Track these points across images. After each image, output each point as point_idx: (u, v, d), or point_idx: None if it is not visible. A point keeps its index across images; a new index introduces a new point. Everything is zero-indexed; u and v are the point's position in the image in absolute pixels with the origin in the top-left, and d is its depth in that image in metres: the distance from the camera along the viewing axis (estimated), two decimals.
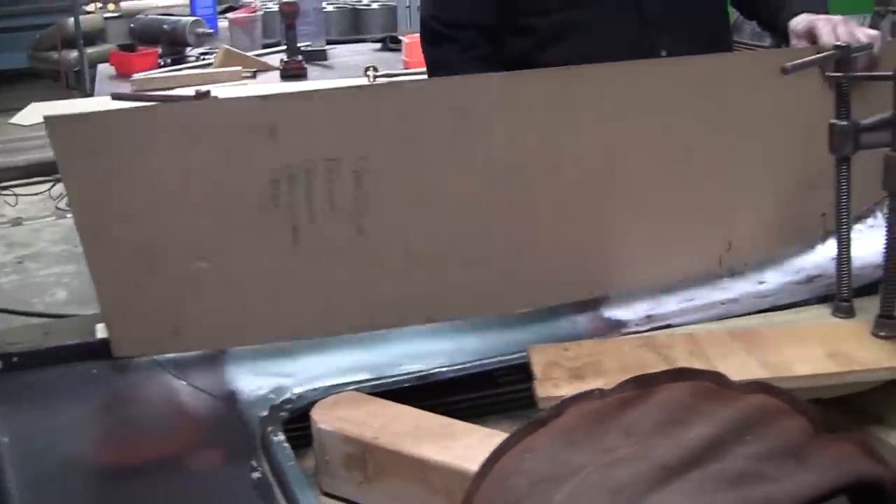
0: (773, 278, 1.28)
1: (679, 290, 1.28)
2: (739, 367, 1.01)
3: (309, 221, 1.13)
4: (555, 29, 1.45)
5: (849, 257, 1.14)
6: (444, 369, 1.14)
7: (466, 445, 0.96)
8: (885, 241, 1.04)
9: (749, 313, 1.21)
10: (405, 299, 1.20)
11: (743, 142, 1.27)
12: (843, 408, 1.05)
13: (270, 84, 2.69)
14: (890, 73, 1.01)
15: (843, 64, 1.09)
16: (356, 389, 1.07)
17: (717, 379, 0.90)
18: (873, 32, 1.30)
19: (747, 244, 1.28)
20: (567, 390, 0.98)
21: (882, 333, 1.06)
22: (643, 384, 0.90)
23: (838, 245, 1.14)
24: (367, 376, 1.11)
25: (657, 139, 1.24)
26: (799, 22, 1.40)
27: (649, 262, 1.27)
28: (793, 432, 0.84)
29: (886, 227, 1.04)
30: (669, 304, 1.25)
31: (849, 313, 1.16)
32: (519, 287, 1.23)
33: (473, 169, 1.19)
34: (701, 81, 1.24)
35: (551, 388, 1.01)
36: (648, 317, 1.24)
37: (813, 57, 1.12)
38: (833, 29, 1.31)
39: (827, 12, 1.46)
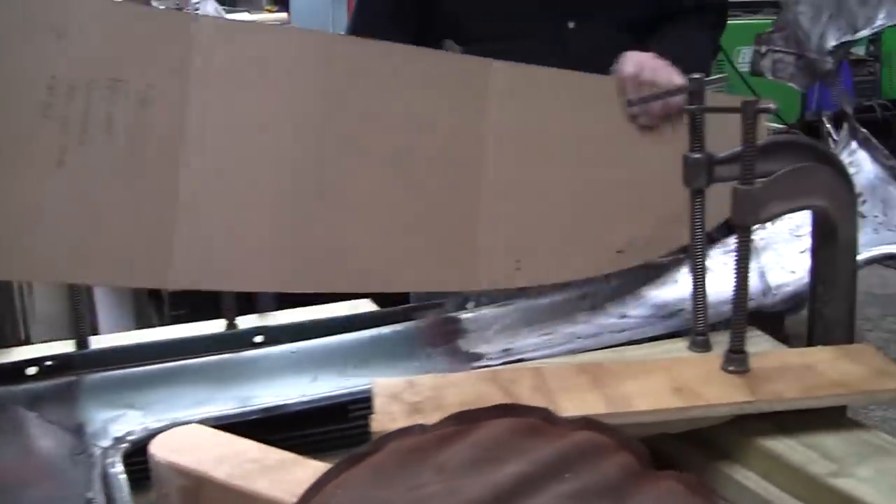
0: (635, 312, 1.24)
1: (539, 322, 1.24)
2: (581, 402, 0.97)
3: (79, 143, 1.03)
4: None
5: (704, 290, 1.11)
6: (292, 402, 1.12)
7: (298, 480, 0.91)
8: (734, 276, 1.01)
9: (607, 347, 1.17)
10: (166, 248, 1.07)
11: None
12: (692, 443, 1.02)
13: None
14: (737, 106, 0.99)
15: (695, 96, 1.07)
16: (203, 421, 1.04)
17: (544, 415, 0.87)
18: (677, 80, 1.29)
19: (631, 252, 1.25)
20: (403, 425, 0.94)
21: (731, 368, 1.02)
22: (465, 420, 0.86)
23: (693, 278, 1.12)
24: (217, 408, 1.09)
25: (533, 140, 1.20)
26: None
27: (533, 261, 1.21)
28: (616, 469, 0.80)
29: (735, 261, 1.01)
30: (529, 337, 1.21)
31: (704, 347, 1.12)
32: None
33: (278, 131, 1.10)
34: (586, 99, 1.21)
35: (387, 422, 0.96)
36: (505, 350, 1.20)
37: (659, 91, 1.09)
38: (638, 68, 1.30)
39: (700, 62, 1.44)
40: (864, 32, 1.22)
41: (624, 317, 1.24)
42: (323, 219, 1.10)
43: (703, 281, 1.12)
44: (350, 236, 1.11)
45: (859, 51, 3.82)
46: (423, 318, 1.26)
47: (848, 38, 1.22)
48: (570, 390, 1.00)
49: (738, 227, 1.01)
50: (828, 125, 3.93)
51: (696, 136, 1.07)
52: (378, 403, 1.00)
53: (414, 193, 1.13)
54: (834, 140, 3.96)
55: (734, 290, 1.02)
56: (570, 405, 0.97)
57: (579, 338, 1.18)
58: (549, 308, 1.27)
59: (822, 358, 1.06)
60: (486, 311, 1.27)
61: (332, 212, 1.11)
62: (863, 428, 0.99)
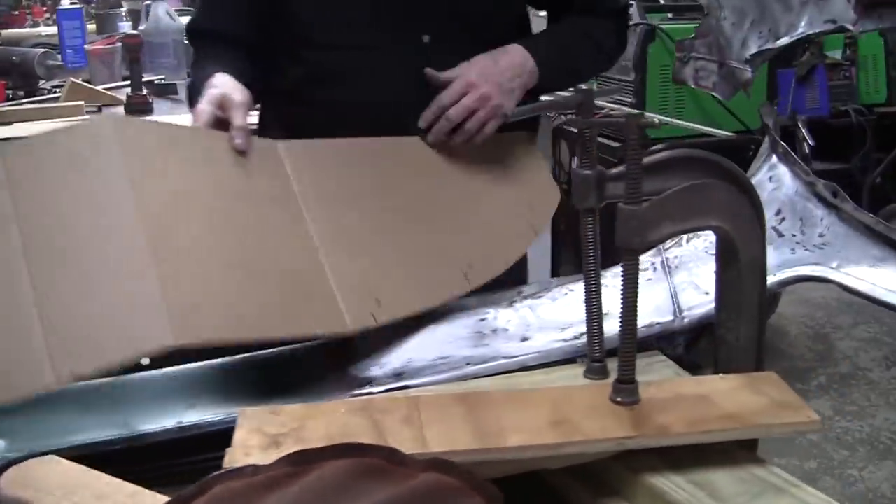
0: (538, 336, 1.17)
1: (438, 345, 1.17)
2: (450, 436, 0.90)
3: None
4: (332, 66, 1.34)
5: (599, 314, 1.04)
6: (157, 430, 1.05)
7: None
8: (621, 301, 0.94)
9: (501, 373, 1.10)
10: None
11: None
12: (580, 478, 0.95)
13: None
14: (622, 117, 0.92)
15: (583, 109, 1.00)
16: (69, 450, 0.99)
17: (388, 455, 0.80)
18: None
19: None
20: (258, 459, 0.87)
21: (619, 399, 0.96)
22: (302, 461, 0.79)
23: (587, 301, 1.05)
24: (85, 437, 1.03)
25: (341, 196, 1.22)
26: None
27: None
28: None
29: (622, 285, 0.94)
30: (422, 361, 1.14)
31: (601, 374, 1.06)
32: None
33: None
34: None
35: (241, 456, 0.90)
36: (397, 374, 1.13)
37: (535, 104, 1.02)
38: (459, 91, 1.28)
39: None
40: (785, 40, 1.15)
41: (525, 339, 1.17)
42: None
43: (599, 304, 1.05)
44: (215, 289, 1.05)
45: (835, 55, 3.74)
46: (317, 340, 1.19)
47: (769, 45, 1.15)
48: (442, 422, 0.93)
49: (625, 250, 0.93)
50: (803, 130, 3.87)
51: (586, 151, 1.00)
52: (238, 436, 0.93)
53: (254, 252, 1.10)
54: (809, 146, 3.90)
55: (621, 318, 0.95)
56: (438, 439, 0.90)
57: (470, 363, 1.11)
58: (450, 330, 1.20)
59: (721, 388, 0.99)
60: (384, 334, 1.20)
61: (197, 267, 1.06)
62: (759, 464, 0.92)
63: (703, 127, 2.49)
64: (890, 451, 2.70)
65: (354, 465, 0.79)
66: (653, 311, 1.18)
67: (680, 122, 2.65)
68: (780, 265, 1.16)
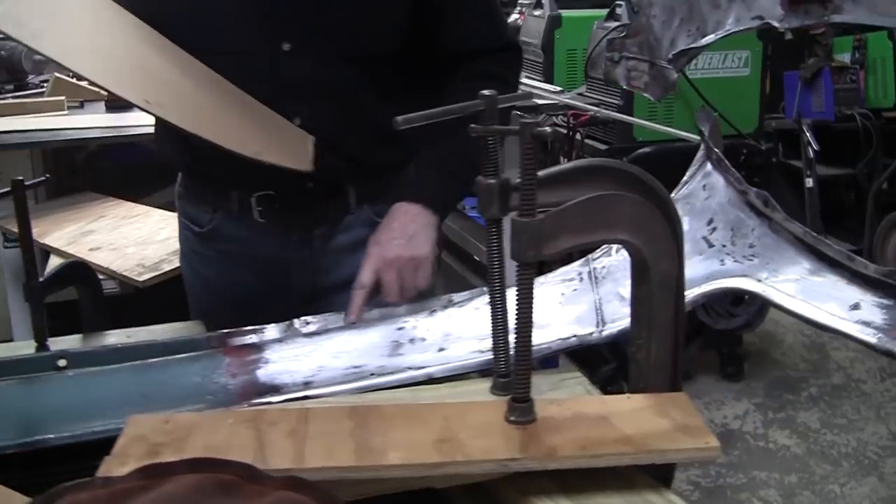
0: (455, 346, 1.14)
1: (350, 354, 1.14)
2: (329, 452, 0.87)
3: None
4: None
5: (505, 327, 1.00)
6: (51, 437, 1.02)
7: None
8: (515, 317, 0.90)
9: (411, 384, 1.07)
10: None
11: None
12: (471, 495, 0.91)
13: (85, 116, 2.54)
14: (516, 128, 0.88)
15: (485, 116, 0.96)
16: None
17: (245, 472, 0.77)
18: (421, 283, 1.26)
19: None
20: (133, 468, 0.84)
21: (513, 418, 0.92)
22: (154, 474, 0.76)
23: (493, 314, 1.01)
24: None
25: None
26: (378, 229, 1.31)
27: None
28: None
29: (516, 300, 0.90)
30: (333, 370, 1.11)
31: (507, 389, 1.01)
32: None
33: None
34: None
35: (117, 465, 0.87)
36: (306, 383, 1.09)
37: (428, 112, 0.98)
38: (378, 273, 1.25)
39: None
40: (711, 38, 1.10)
41: (442, 350, 1.13)
42: None
43: (505, 317, 1.01)
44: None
45: (844, 58, 3.65)
46: (233, 346, 1.16)
47: (694, 44, 1.10)
48: (327, 436, 0.90)
49: (520, 264, 0.89)
50: (807, 134, 3.78)
51: (490, 160, 0.96)
52: (119, 444, 0.91)
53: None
54: (814, 150, 3.80)
55: (515, 334, 0.91)
56: (317, 454, 0.87)
57: (374, 374, 1.08)
58: (367, 338, 1.17)
59: (624, 409, 0.95)
60: (300, 340, 1.17)
61: None
62: (655, 490, 0.88)
63: (674, 130, 2.44)
64: (875, 467, 2.64)
65: (206, 480, 0.76)
66: (574, 323, 1.14)
67: (642, 122, 2.59)
68: (708, 276, 1.11)
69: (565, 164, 0.96)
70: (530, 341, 0.91)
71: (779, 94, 3.62)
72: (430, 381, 1.07)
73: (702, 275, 1.12)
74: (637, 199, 0.94)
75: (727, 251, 1.12)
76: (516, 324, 0.91)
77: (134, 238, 1.90)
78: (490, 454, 0.87)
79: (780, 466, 2.67)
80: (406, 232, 1.28)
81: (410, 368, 1.08)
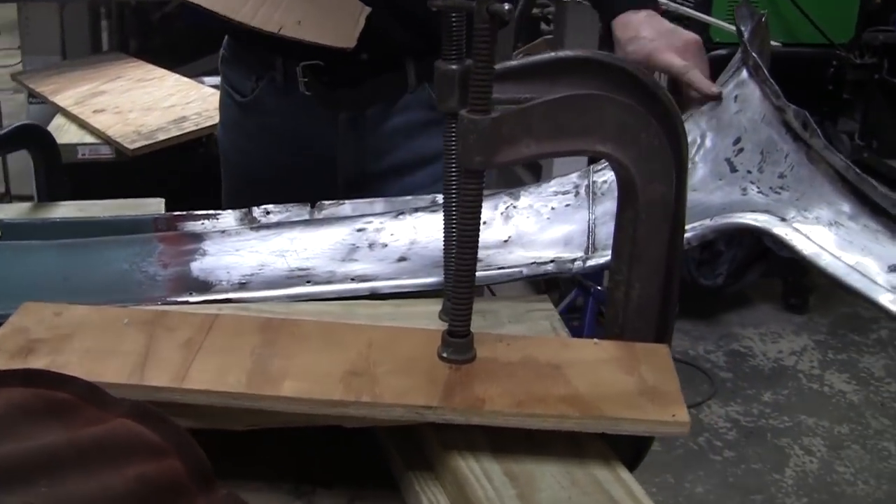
0: (417, 258, 0.98)
1: (300, 255, 1.00)
2: (217, 373, 0.74)
3: None
4: None
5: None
6: None
7: None
8: (456, 233, 0.74)
9: (347, 298, 0.92)
10: None
11: None
12: (397, 439, 0.77)
13: None
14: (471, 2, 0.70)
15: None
16: None
17: (87, 393, 0.65)
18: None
19: None
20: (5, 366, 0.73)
21: (445, 355, 0.76)
22: None
23: (445, 227, 0.85)
24: None
25: None
26: (630, 41, 1.12)
27: None
28: (131, 481, 0.58)
29: (458, 213, 0.74)
30: (275, 272, 0.97)
31: None
32: None
33: None
34: None
35: None
36: (242, 283, 0.96)
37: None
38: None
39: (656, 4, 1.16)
40: None
41: (402, 260, 0.98)
42: None
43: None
44: None
45: None
46: (171, 232, 1.03)
47: None
48: (223, 353, 0.77)
49: (466, 170, 0.73)
50: None
51: (450, 38, 0.78)
52: (2, 333, 0.79)
53: None
54: None
55: (455, 254, 0.75)
56: (203, 375, 0.74)
57: (310, 281, 0.93)
58: (325, 237, 1.02)
59: (587, 358, 0.78)
60: (247, 233, 1.03)
61: None
62: (605, 463, 0.72)
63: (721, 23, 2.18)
64: None
65: (38, 397, 0.64)
66: (558, 245, 0.97)
67: (717, 21, 2.31)
68: (723, 206, 0.92)
69: (542, 56, 0.78)
70: (473, 265, 0.75)
71: (891, 5, 3.26)
72: (375, 296, 0.92)
73: (717, 203, 0.93)
74: (625, 102, 0.75)
75: (752, 178, 0.93)
76: (457, 241, 0.74)
77: (141, 103, 1.77)
78: (403, 398, 0.72)
79: (831, 414, 2.47)
80: (664, 26, 1.11)
81: (354, 280, 0.93)
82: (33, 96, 2.04)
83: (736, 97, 0.97)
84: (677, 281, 0.84)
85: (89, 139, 1.67)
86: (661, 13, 1.15)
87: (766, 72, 0.93)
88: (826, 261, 0.81)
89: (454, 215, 0.84)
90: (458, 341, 0.76)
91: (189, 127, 1.64)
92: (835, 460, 2.27)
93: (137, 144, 1.57)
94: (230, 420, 0.75)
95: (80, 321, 0.82)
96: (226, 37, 1.37)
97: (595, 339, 0.82)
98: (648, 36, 1.12)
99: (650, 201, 0.79)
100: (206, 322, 0.81)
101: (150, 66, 2.06)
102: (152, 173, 1.51)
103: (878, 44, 3.26)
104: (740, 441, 2.37)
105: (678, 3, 2.44)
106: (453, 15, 0.78)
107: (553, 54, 0.78)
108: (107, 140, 1.63)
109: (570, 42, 2.63)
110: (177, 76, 1.95)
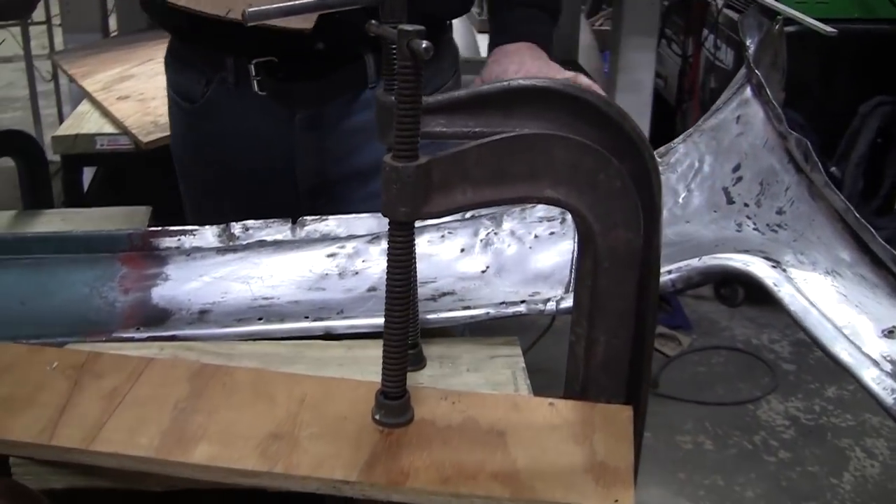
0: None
1: (266, 282, 0.94)
2: (131, 432, 0.69)
3: None
4: None
5: (407, 276, 0.77)
6: None
7: None
8: (387, 289, 0.67)
9: (300, 337, 0.86)
10: None
11: None
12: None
13: None
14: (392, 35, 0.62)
15: (388, 10, 0.69)
16: None
17: None
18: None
19: None
20: None
21: (378, 417, 0.70)
22: None
23: (389, 268, 0.78)
24: None
25: None
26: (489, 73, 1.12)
27: None
28: None
29: (388, 266, 0.67)
30: (237, 301, 0.92)
31: (417, 364, 0.80)
32: None
33: None
34: None
35: None
36: (202, 312, 0.91)
37: (284, 5, 0.70)
38: None
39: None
40: None
41: (372, 290, 0.92)
42: None
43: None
44: None
45: None
46: (133, 254, 0.99)
47: None
48: (145, 406, 0.73)
49: (391, 222, 0.65)
50: None
51: (390, 69, 0.70)
52: None
53: None
54: None
55: (386, 310, 0.68)
56: (115, 434, 0.70)
57: (262, 319, 0.88)
58: (297, 262, 0.96)
59: (535, 422, 0.71)
60: (211, 256, 0.98)
61: None
62: None
63: (800, 15, 1.99)
64: None
65: None
66: (539, 278, 0.89)
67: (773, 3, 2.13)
68: (716, 243, 0.83)
69: (495, 84, 0.69)
70: (405, 324, 0.68)
71: None
72: (330, 336, 0.86)
73: (710, 239, 0.84)
74: (578, 141, 0.67)
75: (749, 213, 0.83)
76: (387, 296, 0.68)
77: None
78: (320, 469, 0.66)
79: None
80: (539, 63, 1.10)
81: (307, 318, 0.87)
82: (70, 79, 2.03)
83: (738, 118, 0.87)
84: (652, 332, 0.76)
85: (108, 129, 1.64)
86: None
87: (769, 93, 0.82)
88: (812, 321, 0.71)
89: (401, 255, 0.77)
90: (391, 403, 0.70)
91: None
92: None
93: (152, 137, 1.53)
94: (147, 482, 0.71)
95: (8, 362, 0.78)
96: (169, 38, 1.28)
97: (551, 400, 0.74)
98: (512, 70, 1.08)
99: (612, 249, 0.71)
100: (138, 368, 0.77)
101: None
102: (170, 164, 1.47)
103: None
104: (798, 441, 2.25)
105: None
106: (392, 45, 0.70)
107: (506, 84, 0.69)
108: (124, 130, 1.60)
109: (629, 14, 2.50)
110: None
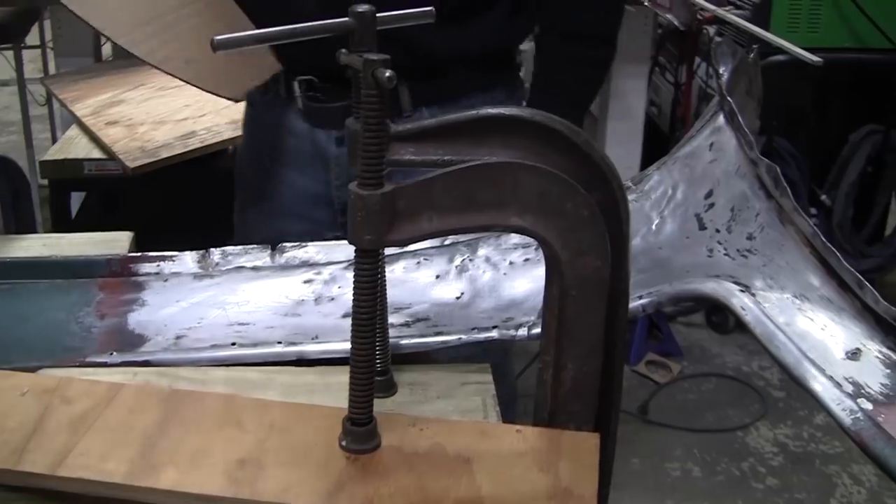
0: None
1: (242, 307, 0.94)
2: (100, 457, 0.69)
3: None
4: None
5: (374, 299, 0.78)
6: None
7: None
8: (354, 317, 0.68)
9: (271, 363, 0.86)
10: None
11: None
12: None
13: None
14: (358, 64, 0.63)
15: (358, 40, 0.69)
16: None
17: None
18: None
19: None
20: None
21: (344, 444, 0.70)
22: None
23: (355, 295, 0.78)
24: None
25: None
26: None
27: None
28: None
29: (354, 294, 0.67)
30: (213, 327, 0.92)
31: (382, 390, 0.80)
32: None
33: None
34: None
35: None
36: (178, 337, 0.91)
37: (256, 33, 0.71)
38: None
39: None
40: None
41: (347, 316, 0.91)
42: None
43: (374, 300, 0.78)
44: None
45: None
46: (111, 279, 0.99)
47: None
48: (115, 431, 0.73)
49: (357, 250, 0.66)
50: None
51: (360, 96, 0.71)
52: None
53: None
54: None
55: (353, 338, 0.68)
56: (83, 459, 0.69)
57: (235, 343, 0.88)
58: (275, 288, 0.96)
59: (501, 449, 0.71)
60: (187, 281, 0.98)
61: None
62: None
63: (786, 44, 2.01)
64: None
65: None
66: (513, 304, 0.89)
67: (763, 33, 2.14)
68: (687, 269, 0.83)
69: (465, 112, 0.70)
70: (372, 350, 0.68)
71: None
72: (303, 362, 0.86)
73: (680, 265, 0.84)
74: (545, 170, 0.67)
75: (720, 238, 0.84)
76: (353, 324, 0.68)
77: (155, 115, 1.74)
78: (284, 495, 0.66)
79: None
80: None
81: (281, 343, 0.87)
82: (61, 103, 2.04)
83: (711, 145, 0.87)
84: (622, 358, 0.76)
85: (96, 154, 1.65)
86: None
87: (741, 120, 0.83)
88: (778, 344, 0.72)
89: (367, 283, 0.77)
90: (358, 429, 0.70)
91: (194, 144, 1.61)
92: (884, 490, 2.13)
93: (139, 162, 1.54)
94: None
95: None
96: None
97: (518, 427, 0.74)
98: None
99: (580, 277, 0.71)
100: (110, 393, 0.77)
101: None
102: (158, 189, 1.48)
103: None
104: (786, 467, 2.25)
105: (734, 15, 2.28)
106: (360, 73, 0.71)
107: (475, 112, 0.70)
108: (112, 156, 1.61)
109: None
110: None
